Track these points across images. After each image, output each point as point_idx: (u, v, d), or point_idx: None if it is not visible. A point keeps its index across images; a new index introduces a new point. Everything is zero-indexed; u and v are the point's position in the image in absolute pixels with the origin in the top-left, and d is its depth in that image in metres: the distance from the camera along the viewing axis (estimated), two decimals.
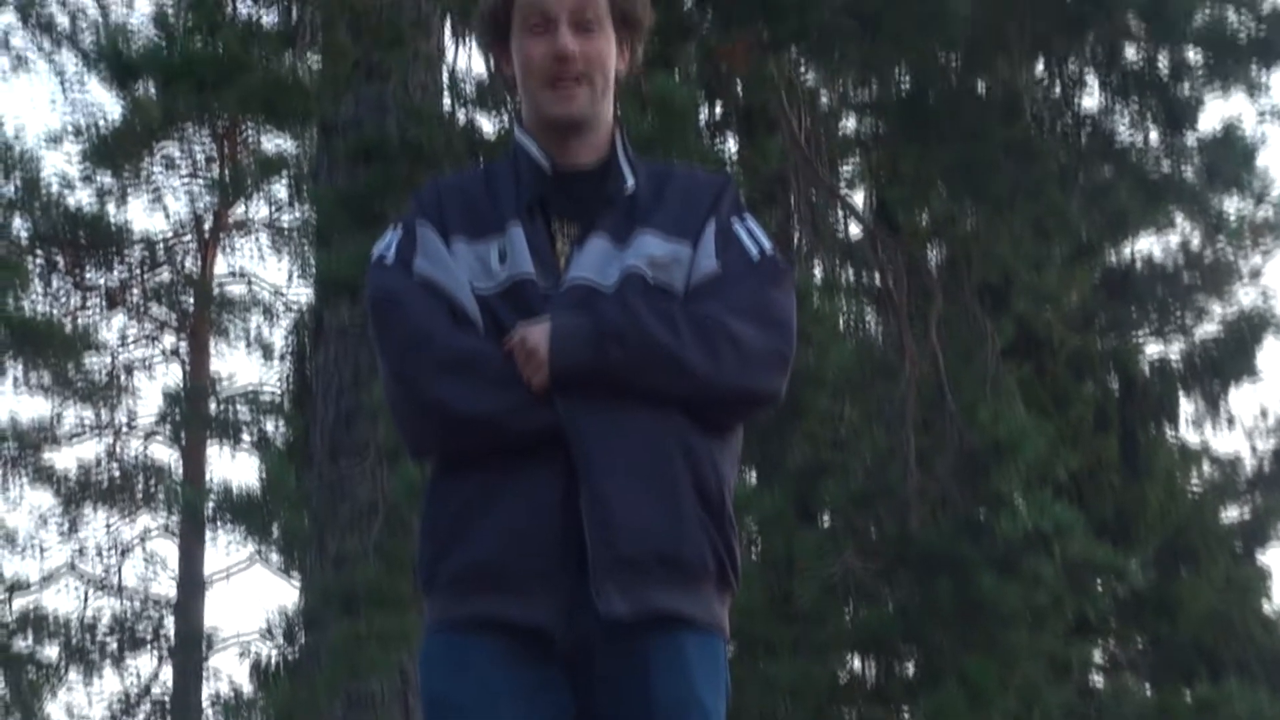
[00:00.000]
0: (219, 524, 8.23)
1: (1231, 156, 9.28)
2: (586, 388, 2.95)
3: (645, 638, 2.92)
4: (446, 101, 10.20)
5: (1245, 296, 21.41)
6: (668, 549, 2.94)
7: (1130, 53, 9.27)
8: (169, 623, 26.45)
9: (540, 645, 2.93)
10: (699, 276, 3.09)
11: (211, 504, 8.07)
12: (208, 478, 25.21)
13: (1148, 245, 19.13)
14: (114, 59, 7.70)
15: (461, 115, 9.47)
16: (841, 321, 11.19)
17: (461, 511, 3.01)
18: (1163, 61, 9.07)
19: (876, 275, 11.46)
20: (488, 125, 9.43)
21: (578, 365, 2.93)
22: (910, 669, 11.59)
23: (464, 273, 3.08)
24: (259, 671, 22.71)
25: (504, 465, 2.97)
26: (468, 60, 12.45)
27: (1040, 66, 10.42)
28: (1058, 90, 10.19)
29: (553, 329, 2.95)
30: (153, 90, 7.87)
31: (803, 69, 10.67)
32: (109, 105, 25.38)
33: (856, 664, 11.38)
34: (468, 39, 9.49)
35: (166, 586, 26.77)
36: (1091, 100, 10.02)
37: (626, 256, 3.07)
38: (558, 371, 2.93)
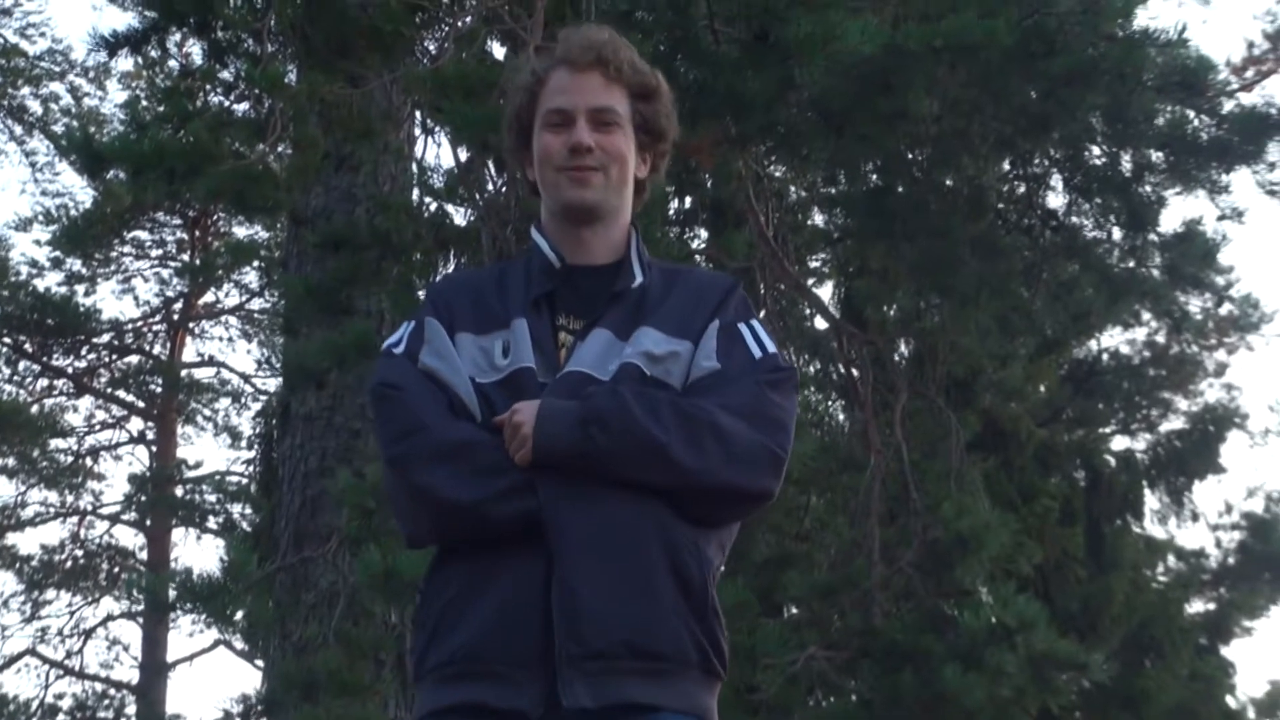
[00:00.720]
0: (181, 610, 8.18)
1: (1193, 255, 9.38)
2: (569, 473, 2.97)
3: None
4: (415, 193, 10.27)
5: (1210, 391, 21.57)
6: (640, 640, 2.94)
7: (1094, 152, 9.36)
8: (130, 707, 26.26)
9: None
10: (698, 373, 3.13)
11: (174, 590, 8.02)
12: (172, 562, 25.16)
13: (1114, 340, 19.28)
14: (84, 148, 7.71)
15: (430, 206, 9.51)
16: (808, 414, 11.23)
17: (450, 601, 3.05)
18: (1125, 161, 9.17)
19: (842, 368, 11.51)
20: (458, 217, 9.49)
21: (562, 445, 2.96)
22: None
23: (467, 366, 3.15)
24: None
25: (492, 555, 3.01)
26: (436, 153, 12.51)
27: (1005, 165, 10.53)
28: (1022, 188, 10.29)
29: (540, 409, 2.99)
30: (119, 175, 7.86)
31: (770, 163, 10.76)
32: (79, 191, 25.49)
33: None
34: (436, 132, 9.55)
35: (129, 670, 26.61)
36: (1056, 198, 10.13)
37: (626, 349, 3.11)
38: (541, 449, 2.96)
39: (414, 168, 10.57)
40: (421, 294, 8.98)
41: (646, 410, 2.99)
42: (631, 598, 2.95)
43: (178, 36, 9.70)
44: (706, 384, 3.11)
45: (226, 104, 9.30)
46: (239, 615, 7.94)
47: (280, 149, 9.20)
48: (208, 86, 9.35)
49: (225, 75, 9.31)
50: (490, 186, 8.88)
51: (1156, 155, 8.88)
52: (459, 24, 8.80)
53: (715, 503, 3.08)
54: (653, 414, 2.99)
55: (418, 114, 10.01)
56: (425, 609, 3.13)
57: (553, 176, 3.25)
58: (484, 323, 3.21)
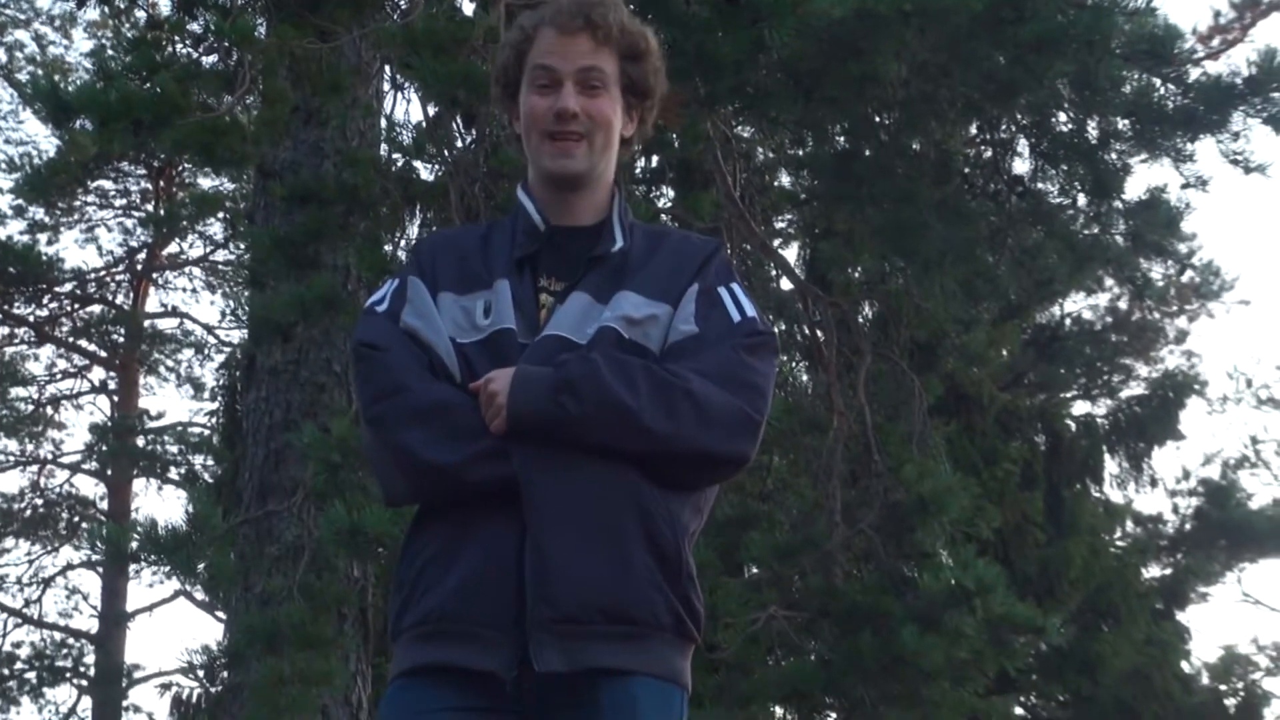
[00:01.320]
0: (143, 561, 8.19)
1: (1157, 222, 9.42)
2: (544, 438, 3.00)
3: (596, 685, 2.96)
4: (384, 149, 10.25)
5: (1170, 358, 21.72)
6: (612, 604, 2.97)
7: (1060, 119, 9.39)
8: (89, 656, 26.25)
9: (494, 692, 2.97)
10: (676, 336, 3.14)
11: (136, 541, 8.01)
12: (133, 512, 25.14)
13: (1076, 306, 19.37)
14: (50, 97, 7.66)
15: (399, 162, 9.49)
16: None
17: (426, 563, 3.08)
18: (1092, 128, 9.20)
19: (807, 330, 11.55)
20: (425, 173, 9.48)
21: (535, 413, 2.98)
22: None
23: (448, 325, 3.16)
24: (180, 707, 22.56)
25: (467, 517, 3.03)
26: (405, 108, 12.49)
27: (972, 130, 10.56)
28: (989, 153, 10.32)
29: (514, 376, 3.01)
30: (85, 124, 7.82)
31: (738, 124, 10.77)
32: (43, 139, 25.35)
33: (779, 714, 11.45)
34: (406, 88, 9.54)
35: (88, 620, 26.59)
36: (1022, 164, 10.16)
37: (604, 313, 3.12)
38: (515, 417, 2.98)
39: (383, 123, 10.56)
40: (388, 249, 9.00)
41: (618, 376, 3.01)
42: (604, 562, 2.98)
43: None
44: (683, 348, 3.12)
45: (195, 56, 9.25)
46: (201, 567, 7.94)
47: (248, 102, 9.19)
48: (176, 38, 9.29)
49: (194, 27, 9.28)
50: (459, 143, 8.88)
51: (1123, 123, 8.91)
52: None
53: (689, 467, 3.09)
54: (625, 380, 3.01)
55: (387, 69, 10.00)
56: (403, 569, 3.15)
57: (537, 142, 3.25)
58: (467, 282, 3.22)
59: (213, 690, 20.80)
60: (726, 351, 3.12)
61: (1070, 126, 9.31)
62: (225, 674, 12.06)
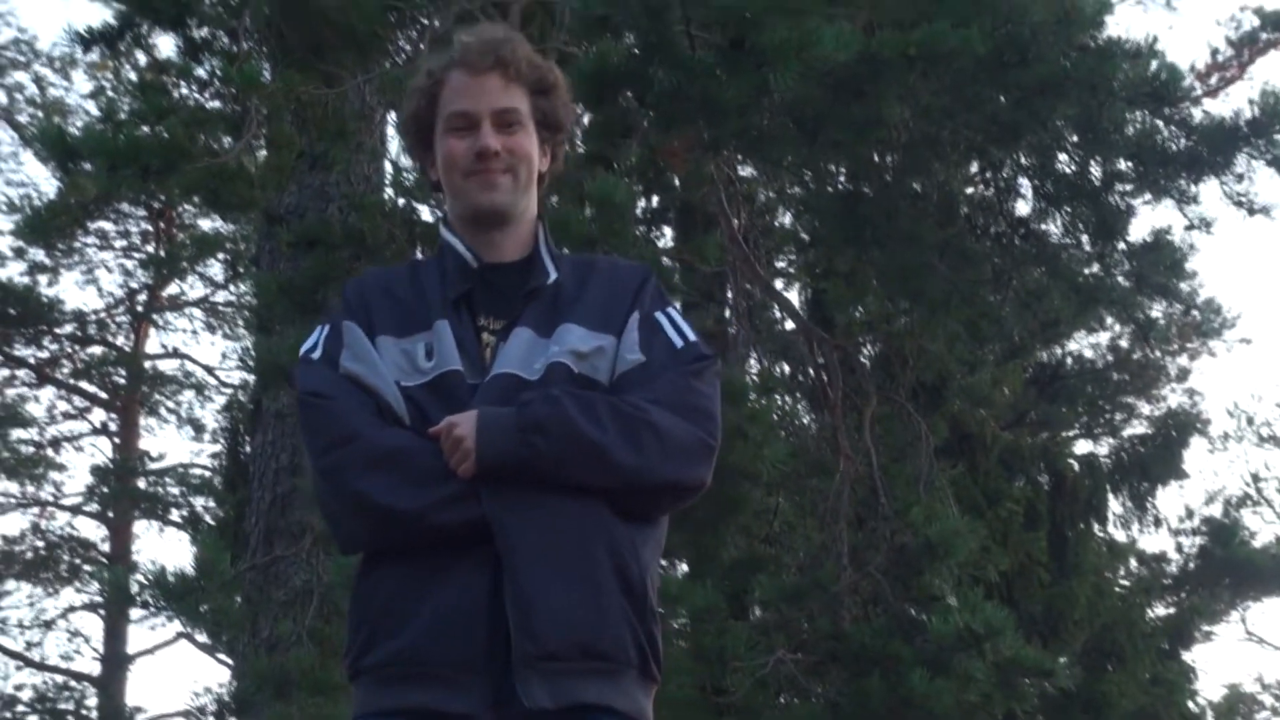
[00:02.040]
0: (150, 606, 8.20)
1: (1160, 263, 9.44)
2: (512, 479, 2.98)
3: None
4: (389, 193, 10.28)
5: (1173, 397, 21.72)
6: (590, 640, 2.97)
7: (1063, 160, 9.42)
8: (91, 699, 26.19)
9: None
10: (623, 367, 3.14)
11: (142, 585, 8.01)
12: (134, 554, 25.11)
13: (1077, 345, 19.37)
14: (57, 142, 7.68)
15: (403, 205, 9.52)
16: (776, 417, 11.27)
17: (390, 602, 3.04)
18: (1095, 170, 9.22)
19: (812, 372, 11.56)
20: (428, 216, 9.51)
21: (504, 454, 2.97)
22: None
23: (390, 369, 3.14)
24: None
25: (432, 557, 3.01)
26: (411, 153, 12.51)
27: (975, 171, 10.59)
28: (991, 195, 10.34)
29: (479, 420, 2.99)
30: (91, 169, 7.84)
31: (740, 165, 10.79)
32: (43, 180, 25.38)
33: None
34: None
35: (90, 662, 26.53)
36: (1025, 206, 10.19)
37: (550, 347, 3.12)
38: (484, 460, 2.96)
39: (387, 167, 10.58)
40: None
41: (584, 413, 3.01)
42: (581, 599, 2.98)
43: (151, 31, 9.67)
44: (633, 377, 3.13)
45: (201, 100, 9.29)
46: (208, 611, 7.93)
47: (254, 146, 9.21)
48: (181, 82, 9.32)
49: (200, 72, 9.31)
50: None
51: (1126, 165, 8.94)
52: (434, 25, 8.81)
53: (654, 497, 3.11)
54: (590, 416, 3.01)
55: (391, 114, 10.02)
56: (361, 607, 3.11)
57: (460, 182, 3.25)
58: (404, 325, 3.20)
59: None
60: (676, 378, 3.14)
61: (1073, 168, 9.34)
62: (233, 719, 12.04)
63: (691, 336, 3.24)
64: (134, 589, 8.05)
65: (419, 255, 9.45)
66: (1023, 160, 9.71)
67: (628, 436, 3.02)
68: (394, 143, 10.42)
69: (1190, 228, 9.12)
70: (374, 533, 3.08)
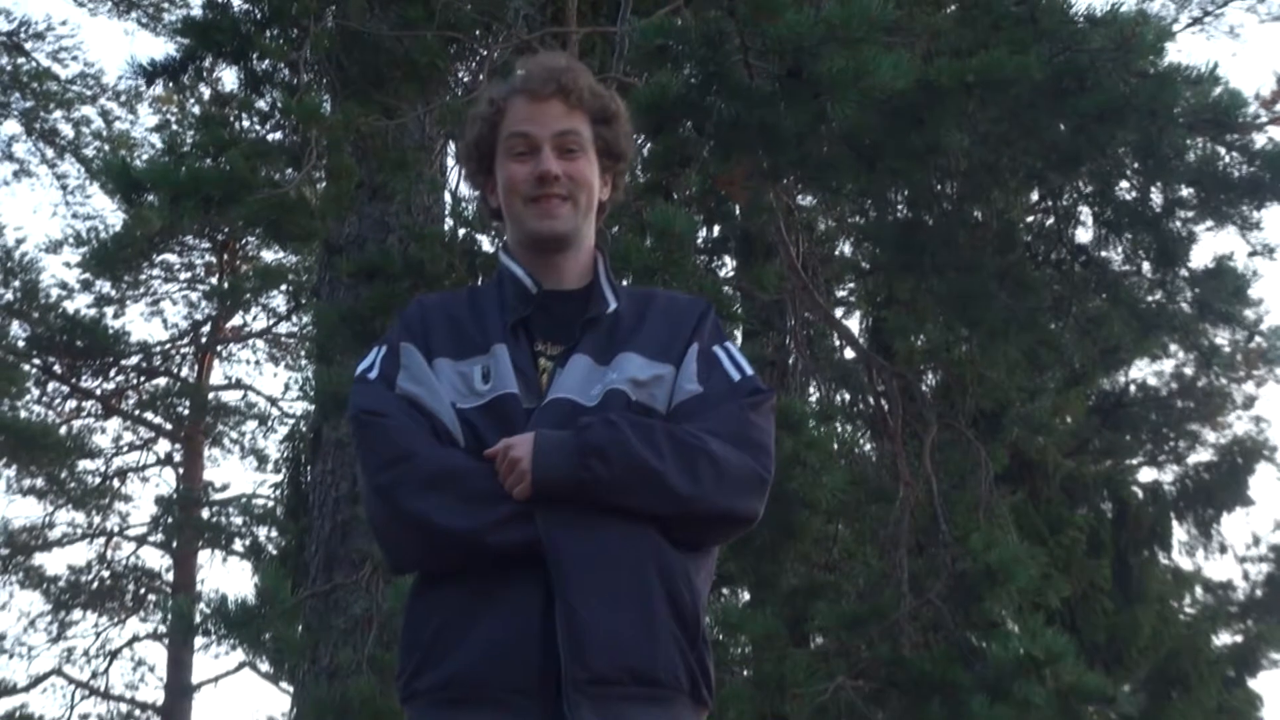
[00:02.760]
0: (213, 635, 8.26)
1: (1223, 290, 9.37)
2: (567, 502, 2.99)
3: None
4: (449, 223, 10.33)
5: (1238, 424, 21.57)
6: (641, 665, 2.97)
7: (1123, 187, 9.38)
8: None
9: None
10: (681, 397, 3.16)
11: (204, 614, 8.06)
12: (199, 584, 25.26)
13: (1141, 372, 19.27)
14: (122, 174, 7.75)
15: (464, 235, 9.57)
16: (836, 445, 11.25)
17: (443, 625, 3.06)
18: (1155, 197, 9.18)
19: (871, 400, 11.54)
20: (488, 246, 9.56)
21: (560, 478, 2.98)
22: None
23: (447, 391, 3.15)
24: None
25: (484, 579, 3.02)
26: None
27: (1034, 198, 10.56)
28: (1051, 222, 10.31)
29: (536, 442, 3.00)
30: (155, 201, 7.92)
31: (799, 193, 10.80)
32: (110, 214, 25.62)
33: None
34: None
35: (154, 691, 26.68)
36: (1085, 233, 10.15)
37: (609, 375, 3.13)
38: (540, 483, 2.97)
39: (447, 198, 10.64)
40: None
41: (643, 439, 3.02)
42: (633, 623, 2.98)
43: (213, 64, 9.77)
44: (690, 408, 3.14)
45: (261, 133, 9.37)
46: (268, 639, 7.97)
47: (315, 178, 9.28)
48: (243, 115, 9.41)
49: (260, 105, 9.40)
50: None
51: (1187, 191, 8.89)
52: (492, 56, 8.86)
53: (708, 527, 3.12)
54: (649, 443, 3.02)
55: (451, 145, 10.08)
56: (414, 630, 3.12)
57: (520, 208, 3.27)
58: (462, 348, 3.21)
59: None
60: (734, 411, 3.15)
61: (1134, 195, 9.30)
62: None
63: (748, 371, 3.25)
64: (197, 618, 8.10)
65: (466, 288, 9.51)
66: (1082, 187, 9.66)
67: (685, 465, 3.03)
68: (454, 173, 10.50)
69: (1253, 254, 9.07)
70: (427, 552, 3.10)
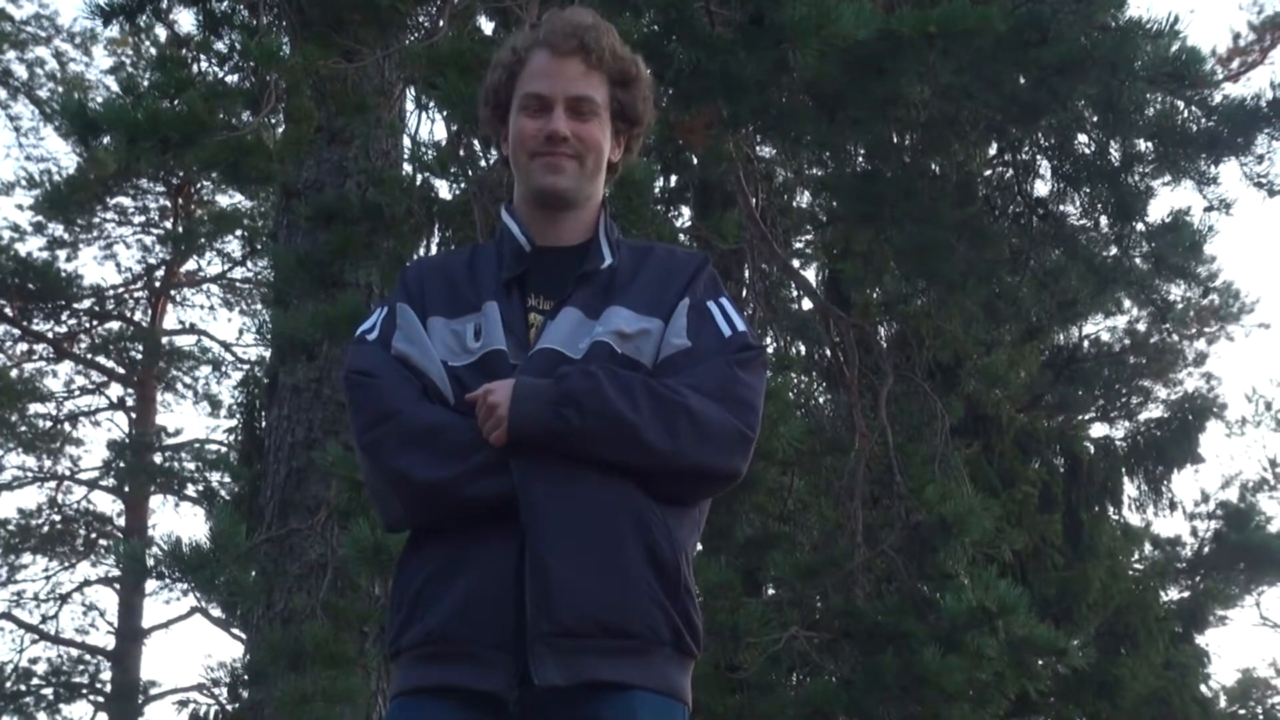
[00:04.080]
0: (166, 579, 8.24)
1: (1179, 245, 9.42)
2: (543, 452, 2.99)
3: (596, 699, 2.96)
4: (407, 168, 10.28)
5: (1190, 380, 21.71)
6: (611, 618, 2.97)
7: (1083, 141, 9.40)
8: (106, 672, 26.29)
9: (495, 710, 2.96)
10: (668, 351, 3.14)
11: (157, 557, 8.03)
12: (150, 529, 25.21)
13: (1094, 328, 19.36)
14: (78, 115, 7.68)
15: (421, 181, 9.53)
16: (792, 395, 11.27)
17: (425, 583, 3.07)
18: (1114, 151, 9.21)
19: (828, 351, 11.56)
20: (445, 192, 9.51)
21: (536, 425, 2.98)
22: None
23: (439, 349, 3.16)
24: None
25: (465, 536, 3.03)
26: (430, 128, 12.52)
27: (993, 151, 10.58)
28: (1010, 174, 10.33)
29: (515, 388, 3.00)
30: (111, 144, 7.85)
31: (759, 144, 10.79)
32: (63, 156, 25.45)
33: None
34: (430, 108, 9.57)
35: (104, 636, 26.63)
36: (1043, 186, 10.17)
37: (596, 328, 3.13)
38: (516, 430, 2.98)
39: (406, 142, 10.58)
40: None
41: (619, 391, 3.01)
42: (604, 576, 2.98)
43: (170, 5, 9.69)
44: (677, 362, 3.12)
45: (220, 75, 9.30)
46: (222, 583, 7.94)
47: (273, 121, 9.22)
48: (201, 57, 9.35)
49: (219, 46, 9.33)
50: (483, 163, 8.90)
51: (1145, 145, 8.92)
52: (453, 0, 8.81)
53: (686, 483, 3.10)
54: (626, 395, 3.01)
55: (411, 89, 10.02)
56: (400, 589, 3.14)
57: (526, 161, 3.25)
58: (456, 306, 3.22)
59: (231, 708, 20.85)
60: (720, 366, 3.13)
61: (1092, 149, 9.32)
62: (245, 692, 12.06)
63: (740, 327, 3.23)
64: (150, 561, 8.07)
65: (436, 229, 9.48)
66: (1042, 140, 9.69)
67: (662, 419, 3.02)
68: (413, 118, 10.43)
69: (1210, 209, 9.09)
70: (410, 507, 3.12)
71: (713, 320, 3.22)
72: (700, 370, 3.11)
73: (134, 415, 26.80)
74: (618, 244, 3.32)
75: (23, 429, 26.43)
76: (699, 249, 10.77)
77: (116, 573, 25.92)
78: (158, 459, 26.04)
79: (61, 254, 25.16)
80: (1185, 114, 8.55)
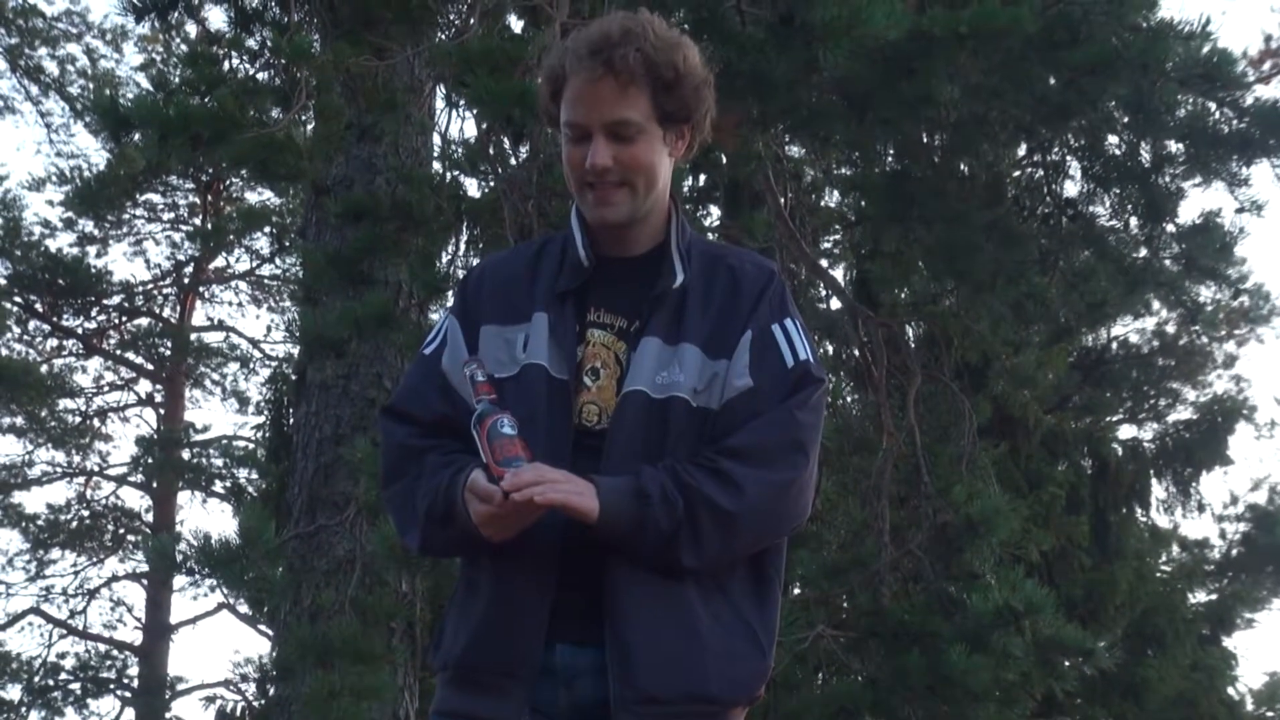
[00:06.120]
0: (195, 574, 8.28)
1: (1210, 246, 9.39)
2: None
3: None
4: (437, 165, 10.30)
5: (1219, 382, 21.61)
6: (696, 689, 3.00)
7: (1113, 141, 9.38)
8: (133, 668, 26.36)
9: None
10: (730, 393, 3.08)
11: (185, 552, 8.07)
12: (178, 525, 25.27)
13: (1123, 329, 19.30)
14: (109, 111, 7.71)
15: (451, 179, 9.54)
16: None
17: (453, 606, 3.19)
18: (1145, 152, 9.18)
19: (856, 350, 11.55)
20: (473, 189, 9.54)
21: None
22: None
23: (489, 361, 3.15)
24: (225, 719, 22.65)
25: (485, 562, 3.10)
26: (460, 125, 12.53)
27: (1022, 151, 10.56)
28: (1040, 175, 10.32)
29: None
30: (141, 142, 7.89)
31: (788, 143, 10.78)
32: (94, 152, 25.52)
33: None
34: (459, 105, 9.58)
35: (132, 632, 26.72)
36: (1073, 186, 10.15)
37: (674, 370, 3.08)
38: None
39: (436, 140, 10.61)
40: (441, 265, 9.05)
41: (689, 537, 3.00)
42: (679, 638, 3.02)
43: (202, 2, 9.73)
44: (738, 409, 3.07)
45: (251, 72, 9.34)
46: (251, 579, 7.97)
47: (303, 118, 9.24)
48: (232, 54, 9.38)
49: (251, 43, 9.37)
50: (512, 160, 8.92)
51: (1176, 146, 8.89)
52: None
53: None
54: (690, 539, 3.00)
55: (441, 87, 10.03)
56: (447, 607, 3.24)
57: (577, 190, 3.18)
58: (509, 314, 3.20)
59: (258, 704, 20.90)
60: (780, 418, 3.09)
61: (1123, 149, 9.30)
62: (272, 687, 12.09)
63: (803, 354, 3.16)
64: (179, 556, 8.10)
65: (466, 230, 9.49)
66: (1072, 141, 9.67)
67: (723, 542, 3.03)
68: (443, 115, 10.45)
69: (1241, 210, 9.06)
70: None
71: (776, 349, 3.14)
72: (760, 426, 3.06)
73: (162, 411, 26.87)
74: (688, 250, 3.23)
75: (52, 424, 26.52)
76: (735, 249, 10.74)
77: (144, 568, 26.00)
78: (186, 455, 26.10)
79: (91, 250, 25.28)
80: (1217, 115, 8.52)
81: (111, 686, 26.56)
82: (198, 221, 25.62)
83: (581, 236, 3.21)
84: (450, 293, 9.11)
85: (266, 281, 26.72)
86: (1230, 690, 18.42)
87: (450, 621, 3.16)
